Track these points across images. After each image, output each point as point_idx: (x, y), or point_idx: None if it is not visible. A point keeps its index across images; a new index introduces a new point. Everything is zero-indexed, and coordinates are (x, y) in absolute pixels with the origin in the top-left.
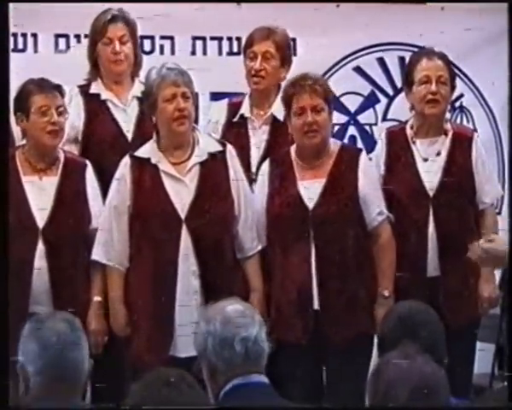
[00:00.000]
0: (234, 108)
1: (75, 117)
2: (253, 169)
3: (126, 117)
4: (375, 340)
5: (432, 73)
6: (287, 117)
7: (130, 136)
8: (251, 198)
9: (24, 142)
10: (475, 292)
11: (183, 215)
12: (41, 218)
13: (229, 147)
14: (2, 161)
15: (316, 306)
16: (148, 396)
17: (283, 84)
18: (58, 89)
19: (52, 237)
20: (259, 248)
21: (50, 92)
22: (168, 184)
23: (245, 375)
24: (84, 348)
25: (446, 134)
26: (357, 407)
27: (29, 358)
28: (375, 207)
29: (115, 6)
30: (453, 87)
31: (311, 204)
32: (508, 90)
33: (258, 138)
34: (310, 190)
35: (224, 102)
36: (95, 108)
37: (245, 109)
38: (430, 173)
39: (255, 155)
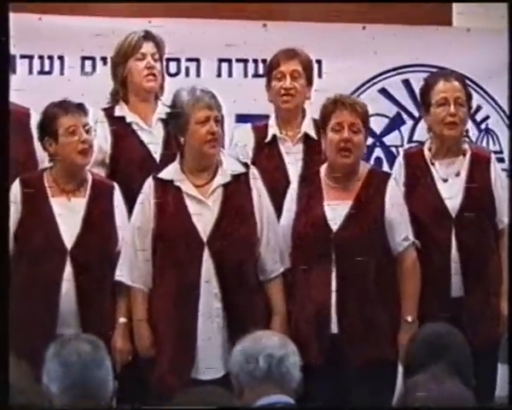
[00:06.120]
0: (260, 131)
1: (102, 140)
2: None
3: (153, 139)
4: (399, 364)
5: (449, 94)
6: (322, 134)
7: (158, 157)
8: (274, 220)
9: (50, 164)
10: (497, 311)
11: (205, 238)
12: (69, 239)
13: (253, 168)
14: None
15: (333, 328)
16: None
17: (307, 103)
18: (81, 107)
19: (80, 258)
20: (282, 270)
21: (75, 112)
22: (191, 206)
23: (268, 396)
24: (108, 369)
25: (464, 154)
26: (359, 407)
27: (52, 378)
28: (400, 232)
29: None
30: (470, 108)
31: (335, 226)
32: (508, 92)
33: (293, 157)
34: (335, 211)
35: (248, 126)
36: (121, 130)
37: (275, 130)
38: (451, 194)
39: (293, 173)
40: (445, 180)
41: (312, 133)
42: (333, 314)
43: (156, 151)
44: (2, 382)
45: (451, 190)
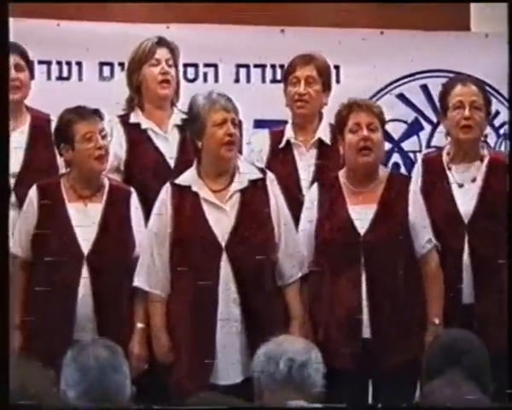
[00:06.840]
0: (276, 137)
1: (117, 147)
2: (304, 192)
3: (168, 145)
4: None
5: (465, 98)
6: (339, 139)
7: (173, 163)
8: (291, 225)
9: (67, 170)
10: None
11: (223, 243)
12: (85, 244)
13: (270, 174)
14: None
15: (366, 332)
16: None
17: (324, 109)
18: (97, 113)
19: (96, 263)
20: (300, 275)
21: (91, 118)
22: (208, 211)
23: (288, 401)
24: (126, 373)
25: (482, 160)
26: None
27: (70, 383)
28: (424, 234)
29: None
30: (488, 113)
31: (362, 230)
32: (508, 93)
33: (306, 162)
34: (361, 215)
35: (266, 132)
36: (136, 137)
37: (290, 135)
38: (465, 200)
39: (305, 178)
40: (461, 185)
41: (327, 139)
42: (365, 318)
43: (171, 157)
44: (2, 382)
45: (466, 196)
